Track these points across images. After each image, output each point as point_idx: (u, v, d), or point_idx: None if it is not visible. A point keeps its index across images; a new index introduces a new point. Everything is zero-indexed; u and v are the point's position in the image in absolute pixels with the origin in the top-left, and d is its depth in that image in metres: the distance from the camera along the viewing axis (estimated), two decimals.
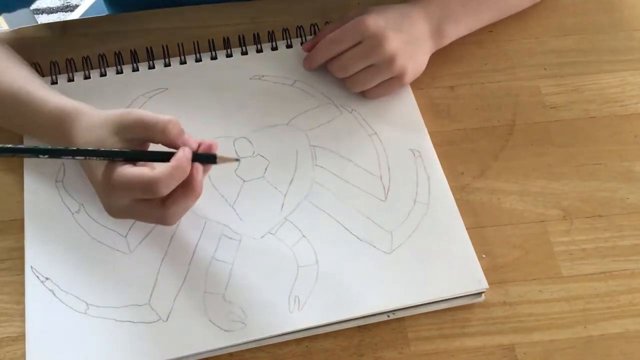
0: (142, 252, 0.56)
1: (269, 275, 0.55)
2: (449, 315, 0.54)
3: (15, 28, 0.71)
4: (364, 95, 0.65)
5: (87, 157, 0.51)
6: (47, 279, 0.54)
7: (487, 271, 0.55)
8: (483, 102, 0.66)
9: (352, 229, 0.57)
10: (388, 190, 0.59)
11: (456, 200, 0.59)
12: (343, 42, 0.62)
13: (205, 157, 0.52)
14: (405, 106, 0.65)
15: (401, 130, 0.63)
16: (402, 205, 0.58)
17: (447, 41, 0.66)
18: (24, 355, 0.51)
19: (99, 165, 0.52)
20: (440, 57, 0.68)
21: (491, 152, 0.63)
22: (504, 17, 0.71)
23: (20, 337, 0.52)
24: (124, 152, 0.51)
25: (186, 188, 0.50)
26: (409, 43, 0.62)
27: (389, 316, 0.54)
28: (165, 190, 0.49)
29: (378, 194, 0.59)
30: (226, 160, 0.52)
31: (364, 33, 0.60)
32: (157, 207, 0.51)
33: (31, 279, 0.54)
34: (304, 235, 0.57)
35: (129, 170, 0.50)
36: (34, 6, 1.81)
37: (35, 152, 0.52)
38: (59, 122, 0.55)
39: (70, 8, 1.82)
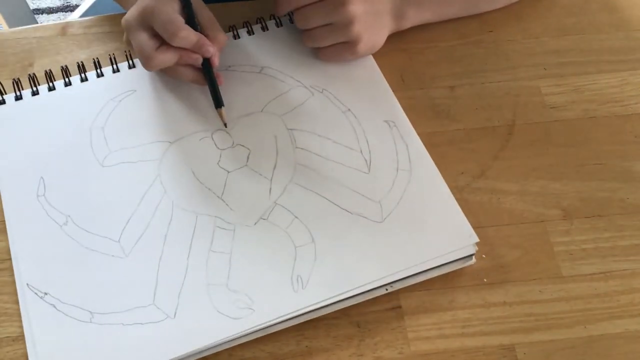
0: (138, 254, 0.55)
1: (268, 259, 0.55)
2: (449, 315, 0.54)
3: (15, 28, 0.71)
4: (317, 54, 0.65)
5: None
6: (45, 294, 0.54)
7: (487, 271, 0.55)
8: (483, 102, 0.66)
9: (341, 204, 0.58)
10: (370, 162, 0.60)
11: (456, 200, 0.59)
12: None
13: (216, 96, 0.62)
14: (373, 80, 0.65)
15: (373, 104, 0.64)
16: (386, 175, 0.59)
17: (407, 24, 0.67)
18: (24, 355, 0.51)
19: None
20: (440, 57, 0.68)
21: (491, 152, 0.63)
22: (482, 12, 0.71)
23: (20, 337, 0.52)
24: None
25: (182, 53, 0.60)
26: (370, 14, 0.63)
27: (387, 289, 0.54)
28: (176, 41, 0.59)
29: (361, 167, 0.60)
30: (221, 116, 0.62)
31: None
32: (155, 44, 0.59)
33: (29, 296, 0.53)
34: (296, 217, 0.57)
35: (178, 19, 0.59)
36: (34, 6, 1.81)
37: None
38: None
39: (70, 8, 1.82)
